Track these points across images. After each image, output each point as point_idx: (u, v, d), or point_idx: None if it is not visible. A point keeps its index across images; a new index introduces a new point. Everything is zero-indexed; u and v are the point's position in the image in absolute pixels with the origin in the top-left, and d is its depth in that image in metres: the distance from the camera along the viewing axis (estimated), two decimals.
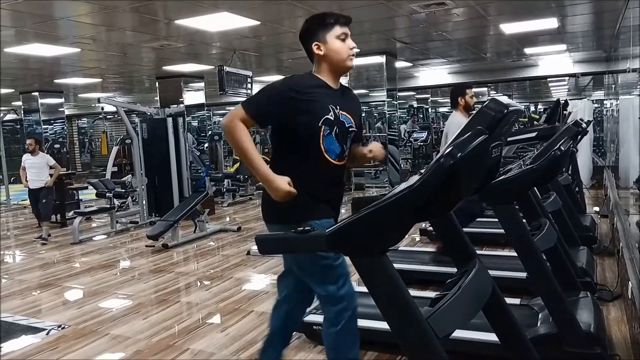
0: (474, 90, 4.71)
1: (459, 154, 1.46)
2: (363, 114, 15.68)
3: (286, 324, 2.55)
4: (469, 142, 1.50)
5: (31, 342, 3.68)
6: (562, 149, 3.17)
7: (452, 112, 4.84)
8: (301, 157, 2.20)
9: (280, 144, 2.27)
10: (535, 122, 11.84)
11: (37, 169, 7.35)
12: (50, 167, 7.46)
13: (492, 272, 2.03)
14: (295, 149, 2.21)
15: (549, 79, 13.49)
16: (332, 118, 2.19)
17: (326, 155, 2.20)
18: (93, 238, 7.42)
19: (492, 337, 2.15)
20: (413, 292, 3.37)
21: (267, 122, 2.24)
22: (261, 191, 2.28)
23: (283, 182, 2.08)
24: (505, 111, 1.65)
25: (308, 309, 2.94)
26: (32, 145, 7.41)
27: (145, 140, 8.49)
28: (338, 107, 2.22)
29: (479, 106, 1.77)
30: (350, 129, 2.29)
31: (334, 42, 2.20)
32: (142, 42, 7.26)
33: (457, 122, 4.50)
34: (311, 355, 3.21)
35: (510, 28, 7.40)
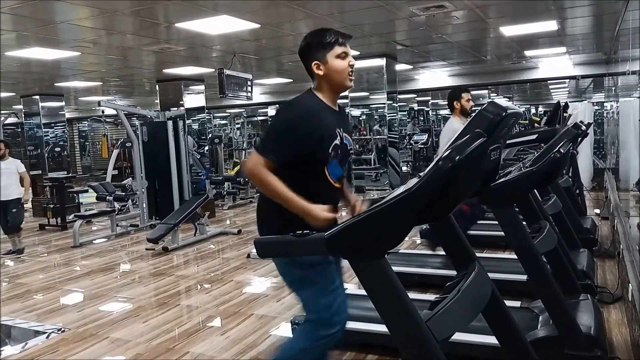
0: (473, 92, 4.70)
1: (457, 157, 1.46)
2: (363, 117, 15.66)
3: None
4: (467, 145, 1.51)
5: (31, 345, 3.67)
6: (562, 151, 3.17)
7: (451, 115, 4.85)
8: (304, 178, 2.13)
9: (285, 167, 2.16)
10: (535, 125, 11.87)
11: (7, 175, 6.62)
12: (20, 175, 6.75)
13: (492, 275, 2.03)
14: (300, 171, 2.14)
15: (549, 82, 13.51)
16: (338, 143, 2.16)
17: (329, 178, 2.18)
18: (93, 241, 7.42)
19: (491, 339, 2.15)
20: (413, 295, 3.37)
21: (286, 158, 2.12)
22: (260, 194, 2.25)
23: (322, 211, 2.03)
24: (504, 114, 1.65)
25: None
26: (2, 150, 6.70)
27: (145, 144, 8.49)
28: (341, 130, 2.20)
29: (477, 109, 1.77)
30: (350, 151, 2.28)
31: (334, 62, 2.14)
32: (143, 46, 7.28)
33: (452, 128, 4.49)
34: None
35: (510, 30, 7.41)
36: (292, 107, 2.16)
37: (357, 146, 13.54)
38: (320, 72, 2.16)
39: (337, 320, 2.18)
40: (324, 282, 2.17)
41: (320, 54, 2.15)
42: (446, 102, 4.87)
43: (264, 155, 2.06)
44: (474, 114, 1.78)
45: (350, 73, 2.19)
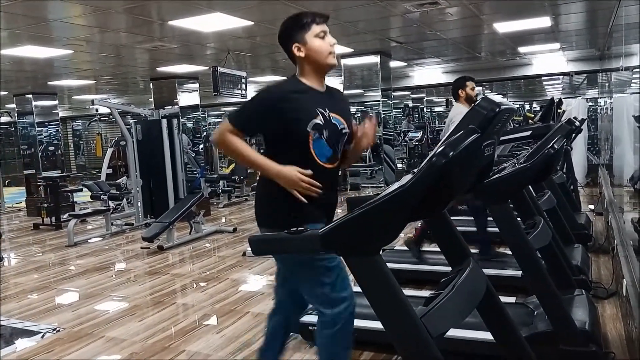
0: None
1: (451, 153, 1.46)
2: (358, 114, 15.75)
3: (281, 331, 2.55)
4: (461, 141, 1.51)
5: (26, 345, 3.66)
6: (556, 147, 3.18)
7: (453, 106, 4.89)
8: (292, 162, 2.13)
9: (270, 150, 2.23)
10: (530, 121, 11.91)
11: None
12: None
13: (487, 271, 2.04)
14: (286, 155, 2.15)
15: (543, 78, 13.52)
16: (321, 122, 2.15)
17: (317, 159, 2.17)
18: (88, 240, 7.39)
19: (487, 335, 2.15)
20: (408, 292, 3.37)
21: (255, 132, 2.25)
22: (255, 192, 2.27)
23: (292, 171, 2.09)
24: (497, 110, 1.65)
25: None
26: None
27: (139, 142, 8.47)
28: (327, 110, 2.18)
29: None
30: (343, 131, 2.25)
31: (313, 42, 2.17)
32: (136, 43, 7.24)
33: (460, 112, 4.51)
34: (307, 356, 3.20)
35: (503, 27, 7.41)
36: (268, 88, 2.22)
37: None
38: (302, 54, 2.19)
39: (344, 296, 2.17)
40: (322, 263, 2.16)
41: (299, 35, 2.19)
42: (443, 99, 4.92)
43: (232, 123, 2.14)
44: (469, 109, 1.77)
45: (332, 53, 2.21)
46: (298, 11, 2.27)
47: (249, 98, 2.26)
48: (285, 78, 2.28)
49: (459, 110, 4.53)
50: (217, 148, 2.24)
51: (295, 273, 2.27)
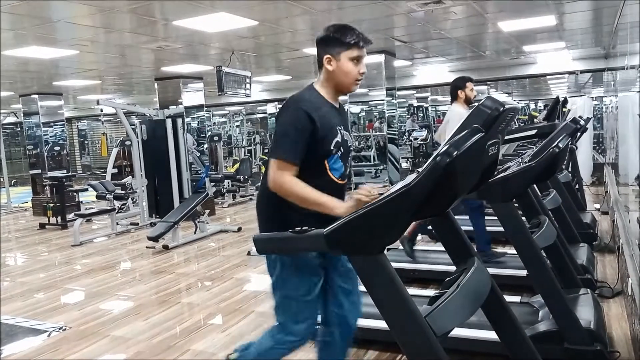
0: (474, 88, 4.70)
1: (455, 153, 1.46)
2: (362, 114, 15.68)
3: None
4: (465, 140, 1.51)
5: (32, 343, 3.69)
6: (561, 146, 3.17)
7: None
8: (306, 176, 2.08)
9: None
10: (535, 120, 11.87)
11: None
12: None
13: (492, 270, 2.04)
14: (302, 170, 2.09)
15: (548, 77, 13.48)
16: (340, 140, 2.16)
17: (331, 174, 2.16)
18: (94, 240, 7.42)
19: (491, 334, 2.15)
20: (413, 291, 3.38)
21: (303, 155, 2.08)
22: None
23: (356, 202, 1.95)
24: (501, 109, 1.66)
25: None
26: None
27: (144, 142, 8.49)
28: (342, 127, 2.20)
29: (479, 100, 1.78)
30: (350, 148, 2.27)
31: (346, 63, 2.13)
32: (141, 44, 7.26)
33: (458, 112, 4.47)
34: (311, 355, 3.20)
35: (508, 26, 7.39)
36: (293, 103, 2.11)
37: (357, 143, 13.54)
38: (330, 68, 2.14)
39: (297, 331, 2.21)
40: (300, 290, 2.18)
41: (336, 50, 2.13)
42: (447, 98, 4.90)
43: (283, 159, 2.02)
44: (472, 109, 1.78)
45: (358, 80, 2.19)
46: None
47: (280, 126, 2.10)
48: (303, 89, 2.20)
49: (458, 112, 4.50)
50: (279, 193, 2.03)
51: (276, 290, 2.27)
